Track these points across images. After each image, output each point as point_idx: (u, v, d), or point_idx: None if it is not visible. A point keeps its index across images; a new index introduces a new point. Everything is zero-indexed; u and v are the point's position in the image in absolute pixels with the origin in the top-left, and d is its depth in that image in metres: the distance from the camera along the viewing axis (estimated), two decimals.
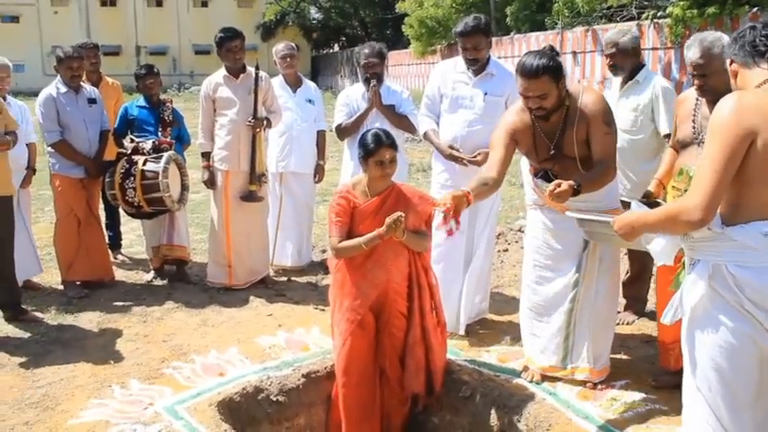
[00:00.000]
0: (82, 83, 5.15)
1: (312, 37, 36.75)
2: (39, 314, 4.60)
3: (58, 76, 5.05)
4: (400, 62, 25.36)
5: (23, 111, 5.13)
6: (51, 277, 5.36)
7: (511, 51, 19.52)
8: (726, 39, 3.04)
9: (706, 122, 3.06)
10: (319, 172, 5.63)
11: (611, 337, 3.58)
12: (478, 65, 4.15)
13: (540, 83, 3.14)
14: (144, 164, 4.91)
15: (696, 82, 3.14)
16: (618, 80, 4.26)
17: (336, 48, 37.23)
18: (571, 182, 3.05)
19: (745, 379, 2.11)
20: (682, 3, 12.82)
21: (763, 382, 2.12)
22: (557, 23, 17.87)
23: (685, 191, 2.87)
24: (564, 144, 3.29)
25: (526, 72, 3.16)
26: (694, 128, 3.17)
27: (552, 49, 3.24)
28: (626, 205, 3.42)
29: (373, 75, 4.88)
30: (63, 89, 5.01)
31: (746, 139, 2.01)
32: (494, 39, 20.45)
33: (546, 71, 3.12)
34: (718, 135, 2.05)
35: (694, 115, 3.19)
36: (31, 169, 5.18)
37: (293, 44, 5.73)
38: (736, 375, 2.11)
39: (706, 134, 2.18)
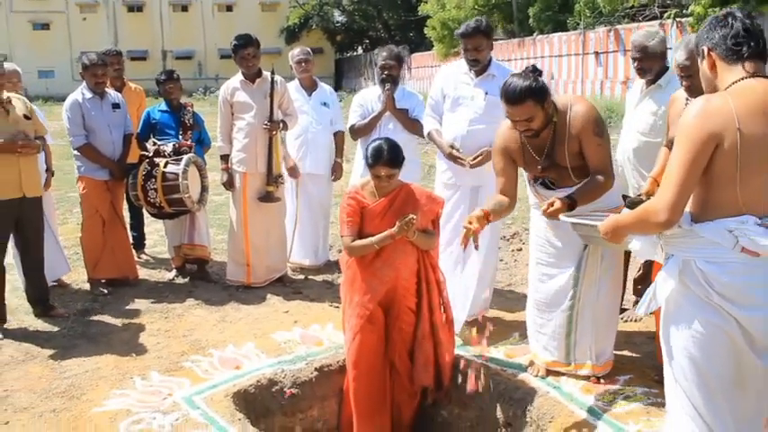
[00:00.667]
0: (106, 88, 5.35)
1: (336, 40, 37.05)
2: (65, 310, 4.80)
3: (84, 81, 5.26)
4: (423, 64, 25.48)
5: (39, 115, 5.34)
6: (78, 276, 5.56)
7: (533, 52, 19.55)
8: None
9: None
10: (337, 170, 5.77)
11: (614, 334, 3.65)
12: (480, 66, 4.26)
13: (524, 108, 3.18)
14: (165, 166, 5.09)
15: (684, 83, 3.21)
16: (641, 82, 4.28)
17: (360, 50, 37.47)
18: (565, 199, 3.16)
19: (718, 368, 2.18)
20: (704, 1, 12.74)
21: (741, 372, 2.18)
22: (579, 24, 17.86)
23: None
24: (556, 157, 3.35)
25: (509, 98, 3.21)
26: None
27: (535, 69, 3.25)
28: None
29: (389, 77, 5.01)
30: (88, 95, 5.20)
31: (711, 143, 2.08)
32: (516, 40, 20.60)
33: (529, 95, 3.15)
34: (684, 139, 2.12)
35: None
36: (49, 171, 5.36)
37: (308, 49, 5.88)
38: (708, 365, 2.18)
39: (676, 133, 2.23)
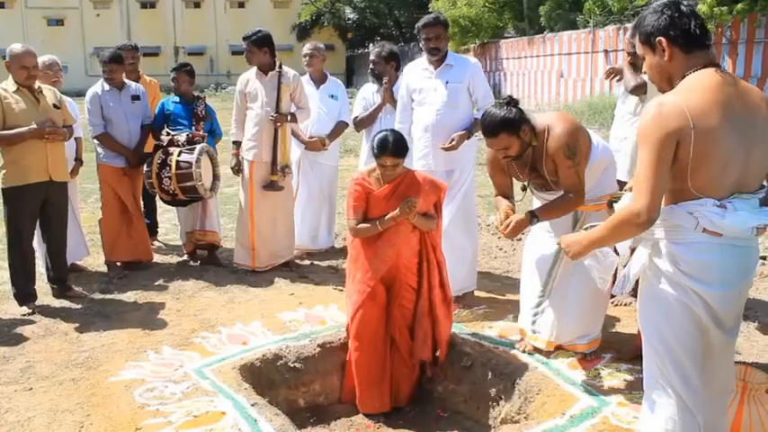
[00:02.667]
0: (126, 81, 5.65)
1: (347, 37, 37.21)
2: (83, 291, 5.04)
3: (102, 75, 5.61)
4: None
5: (72, 107, 5.58)
6: (94, 260, 5.81)
7: (543, 50, 19.68)
8: None
9: None
10: (317, 144, 5.82)
11: (602, 316, 3.85)
12: (440, 54, 4.61)
13: (498, 140, 3.40)
14: (179, 155, 5.33)
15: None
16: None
17: (371, 47, 37.63)
18: (527, 214, 3.43)
19: (687, 344, 2.30)
20: (709, 0, 12.85)
21: (709, 346, 2.31)
22: (589, 22, 17.99)
23: None
24: (538, 171, 3.56)
25: (484, 131, 3.46)
26: None
27: (510, 100, 3.43)
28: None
29: (373, 73, 5.41)
30: (107, 87, 5.56)
31: (671, 143, 2.17)
32: (526, 38, 20.70)
33: (502, 128, 3.36)
34: (646, 142, 2.20)
35: None
36: (78, 161, 5.64)
37: (317, 44, 6.11)
38: (677, 341, 2.32)
39: (637, 137, 2.29)
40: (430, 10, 25.11)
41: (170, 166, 5.32)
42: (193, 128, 5.66)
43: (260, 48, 5.34)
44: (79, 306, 4.79)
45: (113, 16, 36.49)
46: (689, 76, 2.24)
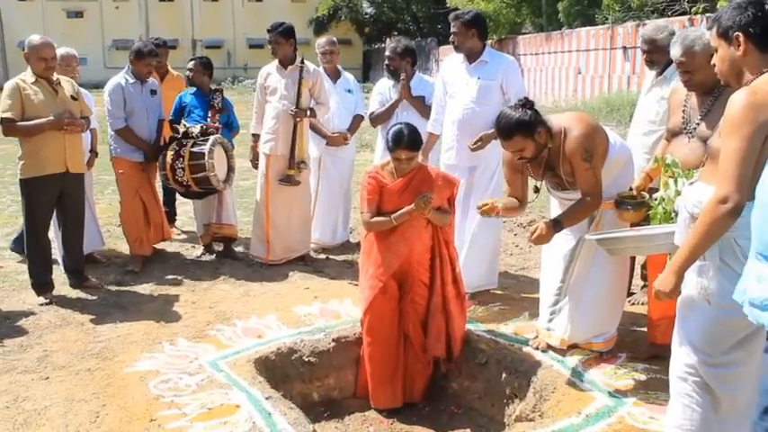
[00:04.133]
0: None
1: (364, 31, 37.18)
2: (99, 282, 5.07)
3: (127, 66, 5.46)
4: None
5: (88, 99, 5.61)
6: (110, 251, 5.85)
7: (561, 46, 19.54)
8: (708, 35, 3.22)
9: (694, 113, 3.27)
10: (339, 139, 5.80)
11: (618, 315, 3.82)
12: (463, 50, 4.62)
13: (513, 142, 3.38)
14: (192, 146, 5.33)
15: (682, 78, 3.32)
16: (652, 73, 4.43)
17: (388, 42, 37.56)
18: (550, 222, 3.40)
19: (733, 335, 2.38)
20: None
21: (754, 338, 2.38)
22: (607, 18, 17.83)
23: (669, 177, 3.08)
24: (555, 171, 3.53)
25: (499, 133, 3.44)
26: (684, 118, 3.35)
27: (526, 102, 3.40)
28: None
29: (395, 69, 5.37)
30: (131, 80, 5.43)
31: (763, 133, 2.15)
32: (544, 34, 20.56)
33: (516, 131, 3.33)
34: (737, 131, 2.17)
35: (684, 106, 3.37)
36: (93, 152, 5.67)
37: (333, 39, 6.09)
38: (728, 336, 2.39)
39: (723, 126, 2.26)
40: (448, 5, 25.05)
41: (183, 156, 5.33)
42: (208, 119, 5.67)
43: (287, 39, 5.35)
44: (95, 297, 4.83)
45: (132, 9, 36.66)
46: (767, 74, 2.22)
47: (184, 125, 5.57)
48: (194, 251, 5.95)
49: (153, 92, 5.58)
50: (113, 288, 5.01)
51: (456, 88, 4.66)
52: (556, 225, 3.42)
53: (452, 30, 4.62)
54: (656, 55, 4.21)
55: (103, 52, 34.72)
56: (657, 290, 2.43)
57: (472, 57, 4.61)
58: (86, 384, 3.54)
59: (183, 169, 5.31)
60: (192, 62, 5.84)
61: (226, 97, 5.93)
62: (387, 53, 5.46)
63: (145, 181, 5.54)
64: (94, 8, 36.40)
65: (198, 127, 5.49)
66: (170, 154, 5.37)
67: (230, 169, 5.58)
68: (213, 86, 5.87)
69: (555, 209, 3.82)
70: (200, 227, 5.88)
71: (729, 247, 2.32)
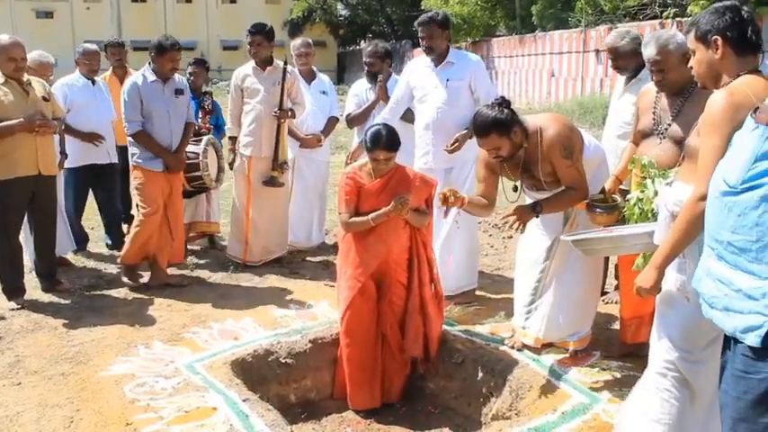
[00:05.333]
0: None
1: (339, 33, 37.16)
2: (72, 285, 5.00)
3: (147, 64, 5.07)
4: None
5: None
6: (81, 254, 5.78)
7: (534, 49, 19.71)
8: (680, 36, 3.29)
9: (665, 114, 3.33)
10: (312, 141, 5.78)
11: (591, 313, 3.86)
12: (434, 53, 4.60)
13: (489, 140, 3.41)
14: None
15: (655, 78, 3.38)
16: (623, 78, 4.49)
17: (363, 44, 37.59)
18: (529, 207, 3.45)
19: (711, 331, 2.38)
20: (702, 2, 12.92)
21: None
22: (580, 22, 18.04)
23: (643, 177, 3.13)
24: (531, 172, 3.56)
25: (474, 131, 3.49)
26: (654, 119, 3.40)
27: (502, 101, 3.44)
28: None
29: (369, 73, 5.39)
30: (150, 78, 4.98)
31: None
32: (518, 37, 20.72)
33: (492, 129, 3.37)
34: (716, 130, 2.20)
35: (654, 107, 3.41)
36: (63, 154, 5.52)
37: (309, 41, 6.09)
38: (704, 332, 2.41)
39: (703, 126, 2.28)
40: (422, 7, 25.06)
41: None
42: (200, 121, 5.78)
43: (270, 41, 5.38)
44: (68, 301, 4.76)
45: (104, 10, 36.23)
46: (744, 76, 2.28)
47: None
48: None
49: (178, 91, 5.07)
50: (86, 292, 4.94)
51: (425, 92, 4.64)
52: (535, 207, 3.45)
53: (424, 33, 4.55)
54: (621, 61, 4.29)
55: (74, 54, 34.08)
56: (638, 286, 2.46)
57: (439, 59, 4.61)
58: (60, 389, 3.49)
59: None
60: (192, 65, 5.96)
61: (215, 100, 6.00)
62: (367, 57, 5.42)
63: (168, 194, 4.99)
64: (65, 8, 35.91)
65: None
66: None
67: (220, 169, 5.68)
68: (204, 89, 6.02)
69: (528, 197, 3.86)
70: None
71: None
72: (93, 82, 5.82)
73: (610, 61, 4.43)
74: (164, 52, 4.92)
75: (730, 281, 1.87)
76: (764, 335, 1.77)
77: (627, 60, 4.27)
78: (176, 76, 5.12)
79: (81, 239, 5.93)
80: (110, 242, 6.01)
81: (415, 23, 4.69)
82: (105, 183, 5.93)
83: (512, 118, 3.40)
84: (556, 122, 3.49)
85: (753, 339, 1.80)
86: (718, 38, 2.30)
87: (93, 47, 5.91)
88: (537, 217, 3.52)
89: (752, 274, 1.80)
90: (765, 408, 1.80)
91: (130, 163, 5.08)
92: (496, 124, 3.37)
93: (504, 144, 3.41)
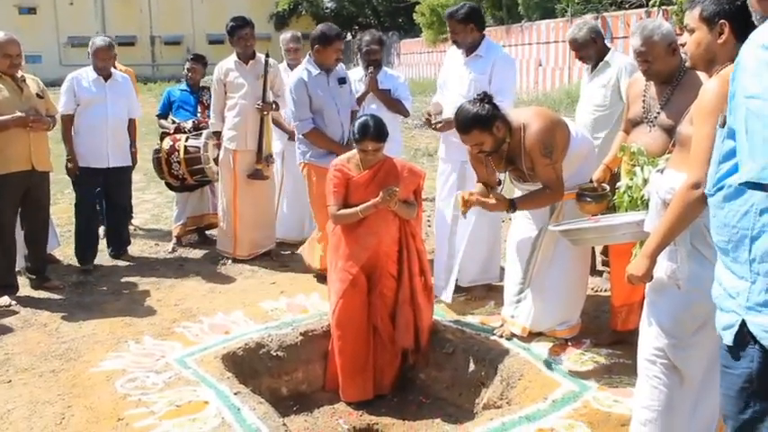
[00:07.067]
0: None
1: None
2: (61, 282, 4.98)
3: (308, 56, 4.82)
4: (412, 50, 25.54)
5: None
6: (70, 251, 5.73)
7: (521, 39, 19.70)
8: (666, 26, 3.30)
9: (654, 102, 3.35)
10: None
11: (579, 302, 3.90)
12: (463, 47, 4.54)
13: (471, 136, 3.42)
14: (186, 140, 5.52)
15: (641, 67, 3.41)
16: (588, 67, 4.63)
17: (349, 36, 37.45)
18: (506, 201, 3.48)
19: (699, 318, 2.43)
20: None
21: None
22: (567, 11, 18.05)
23: (633, 165, 3.15)
24: (516, 164, 3.58)
25: (457, 127, 3.49)
26: (644, 107, 3.42)
27: (484, 97, 3.43)
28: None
29: (373, 61, 5.28)
30: (314, 71, 4.74)
31: None
32: (504, 27, 20.71)
33: (474, 125, 3.38)
34: (709, 117, 2.18)
35: (644, 96, 3.43)
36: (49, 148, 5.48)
37: (299, 35, 6.09)
38: (694, 319, 2.44)
39: (695, 114, 2.28)
40: (409, 0, 25.09)
41: (179, 151, 5.48)
42: (199, 115, 5.86)
43: (254, 34, 5.38)
44: (58, 297, 4.74)
45: (88, 5, 35.82)
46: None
47: (173, 120, 5.79)
48: (158, 248, 5.89)
49: (341, 80, 4.83)
50: (75, 289, 4.92)
51: (450, 80, 4.61)
52: (510, 204, 3.49)
53: (449, 27, 4.52)
54: (583, 51, 4.55)
55: (59, 50, 33.87)
56: (630, 274, 2.47)
57: (468, 51, 4.51)
58: (51, 386, 3.48)
59: (179, 163, 5.49)
60: (190, 62, 6.02)
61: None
62: (366, 47, 5.30)
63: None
64: (48, 4, 35.47)
65: (190, 122, 5.70)
66: (164, 149, 5.53)
67: (216, 160, 5.62)
68: (203, 84, 6.08)
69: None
70: (181, 216, 5.97)
71: (700, 233, 2.38)
72: (107, 78, 5.31)
73: (573, 49, 4.56)
74: (329, 42, 4.68)
75: (720, 280, 1.89)
76: (736, 333, 1.78)
77: (587, 49, 4.49)
78: (340, 65, 4.94)
79: (91, 246, 5.43)
80: (112, 251, 5.64)
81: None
82: (110, 188, 5.46)
83: (493, 113, 3.40)
84: (539, 118, 3.48)
85: (727, 338, 1.82)
86: (726, 22, 2.24)
87: (103, 42, 5.37)
88: (509, 213, 3.56)
89: (732, 273, 1.81)
90: (744, 404, 1.82)
91: (302, 161, 4.84)
92: (477, 121, 3.38)
93: (487, 140, 3.42)
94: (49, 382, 3.53)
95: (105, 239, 5.69)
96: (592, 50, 4.46)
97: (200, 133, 5.55)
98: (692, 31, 2.35)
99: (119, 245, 5.66)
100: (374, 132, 3.66)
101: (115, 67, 6.09)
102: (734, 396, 1.84)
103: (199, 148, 5.45)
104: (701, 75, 2.88)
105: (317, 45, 4.71)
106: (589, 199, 3.48)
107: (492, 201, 3.49)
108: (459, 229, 4.53)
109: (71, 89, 5.24)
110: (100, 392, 3.39)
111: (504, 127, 3.44)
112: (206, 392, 3.35)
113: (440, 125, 4.47)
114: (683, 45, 2.91)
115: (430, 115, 4.53)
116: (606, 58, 4.45)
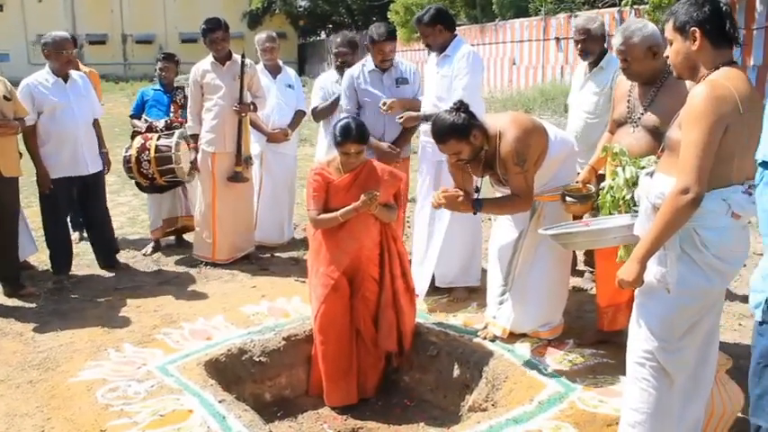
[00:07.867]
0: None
1: (299, 25, 36.78)
2: (36, 289, 4.88)
3: (366, 50, 4.87)
4: None
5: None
6: (46, 256, 5.62)
7: (495, 38, 19.78)
8: (649, 27, 3.33)
9: (638, 103, 3.38)
10: (283, 132, 5.75)
11: (561, 303, 3.91)
12: (435, 49, 4.56)
13: (448, 146, 3.43)
14: (157, 139, 5.43)
15: (621, 66, 3.43)
16: (584, 64, 4.59)
17: (323, 35, 37.31)
18: (472, 202, 3.49)
19: (692, 319, 2.49)
20: None
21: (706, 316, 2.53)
22: (540, 10, 18.17)
23: (616, 166, 3.17)
24: (493, 170, 3.58)
25: (433, 137, 3.50)
26: (628, 107, 3.44)
27: (461, 106, 3.43)
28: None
29: (343, 63, 5.27)
30: (369, 67, 4.81)
31: (723, 125, 2.25)
32: (478, 26, 20.77)
33: (450, 135, 3.38)
34: (698, 123, 2.25)
35: (629, 96, 3.45)
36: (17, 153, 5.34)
37: (274, 35, 6.01)
38: (686, 318, 2.49)
39: (684, 119, 2.32)
40: None
41: (149, 150, 5.38)
42: (172, 115, 5.80)
43: (228, 34, 5.32)
44: (33, 305, 4.65)
45: (57, 2, 35.16)
46: (722, 69, 2.32)
47: (146, 119, 5.72)
48: (135, 253, 5.81)
49: (400, 80, 4.86)
50: (51, 296, 4.82)
51: (426, 81, 4.66)
52: (475, 203, 3.50)
53: (419, 32, 4.54)
54: (590, 44, 4.46)
55: (27, 48, 33.23)
56: (621, 279, 2.49)
57: (439, 52, 4.53)
58: (28, 398, 3.41)
59: (148, 162, 5.38)
60: (162, 62, 5.90)
61: (187, 94, 5.87)
62: (337, 47, 5.34)
63: None
64: (15, 1, 34.84)
65: (162, 121, 5.63)
66: (135, 147, 5.44)
67: (194, 163, 5.53)
68: (177, 84, 6.00)
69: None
70: (157, 221, 5.87)
71: (689, 237, 2.40)
72: (66, 79, 5.04)
73: (577, 45, 4.53)
74: (373, 42, 4.72)
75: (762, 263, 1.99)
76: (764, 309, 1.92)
77: (595, 44, 4.47)
78: (403, 63, 4.95)
79: (65, 255, 5.22)
80: (103, 262, 5.45)
81: None
82: (91, 196, 5.32)
83: (470, 122, 3.40)
84: (515, 127, 3.47)
85: (758, 315, 1.95)
86: (696, 29, 2.34)
87: (63, 34, 5.06)
88: (474, 213, 3.58)
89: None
90: (757, 380, 1.94)
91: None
92: (454, 130, 3.38)
93: (465, 148, 3.42)
94: (26, 393, 3.46)
95: (93, 252, 5.49)
96: (598, 47, 4.44)
97: (173, 132, 5.47)
98: (671, 43, 2.45)
99: (108, 254, 5.46)
100: (356, 135, 3.64)
101: (78, 68, 5.95)
102: (750, 373, 1.99)
103: (170, 147, 5.36)
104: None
105: (368, 44, 4.78)
106: (572, 200, 3.49)
107: (459, 197, 3.49)
108: (434, 230, 4.57)
109: (29, 97, 4.82)
110: (80, 403, 3.32)
111: (481, 135, 3.44)
112: (190, 401, 3.30)
113: (401, 119, 4.53)
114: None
115: (384, 104, 4.58)
116: (602, 63, 4.44)
